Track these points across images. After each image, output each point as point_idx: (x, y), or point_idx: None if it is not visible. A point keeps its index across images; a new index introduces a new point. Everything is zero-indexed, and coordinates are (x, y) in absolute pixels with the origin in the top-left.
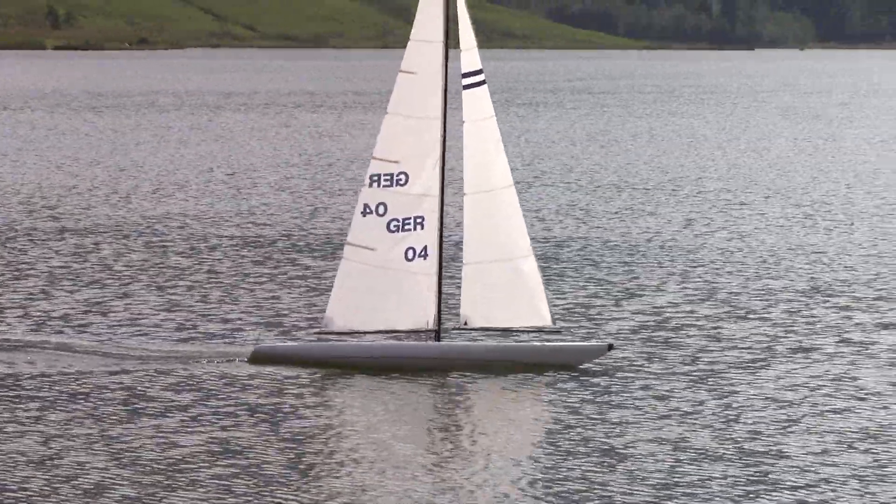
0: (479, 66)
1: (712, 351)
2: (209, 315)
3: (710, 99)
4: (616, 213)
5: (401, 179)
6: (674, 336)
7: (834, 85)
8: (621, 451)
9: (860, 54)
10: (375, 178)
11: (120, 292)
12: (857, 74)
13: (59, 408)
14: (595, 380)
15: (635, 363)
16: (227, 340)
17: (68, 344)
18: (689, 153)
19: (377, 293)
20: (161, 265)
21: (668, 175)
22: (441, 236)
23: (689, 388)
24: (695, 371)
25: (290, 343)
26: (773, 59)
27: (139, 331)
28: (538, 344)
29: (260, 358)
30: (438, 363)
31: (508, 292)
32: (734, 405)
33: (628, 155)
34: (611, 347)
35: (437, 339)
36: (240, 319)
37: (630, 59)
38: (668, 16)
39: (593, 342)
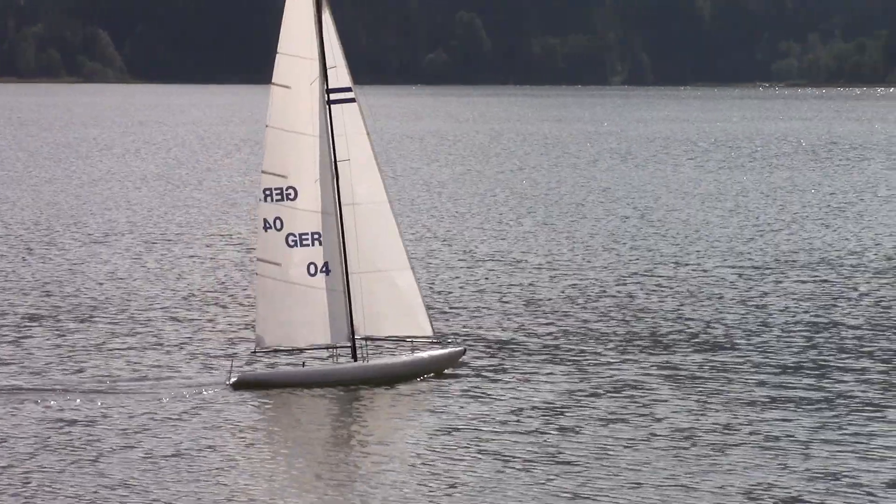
0: (347, 84)
1: (562, 346)
2: (181, 347)
3: None
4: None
5: (290, 194)
6: (519, 336)
7: None
8: (485, 449)
9: (37, 88)
10: (268, 192)
11: (86, 331)
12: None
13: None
14: (454, 383)
15: (488, 364)
16: (204, 369)
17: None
18: None
19: (290, 309)
20: (101, 305)
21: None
22: (344, 252)
23: (540, 382)
24: (546, 366)
25: (269, 370)
26: None
27: (112, 366)
28: (420, 356)
29: (243, 384)
30: (355, 381)
31: (388, 303)
32: (582, 401)
33: None
34: (464, 352)
35: (353, 355)
36: (212, 349)
37: None
38: None
39: (451, 349)
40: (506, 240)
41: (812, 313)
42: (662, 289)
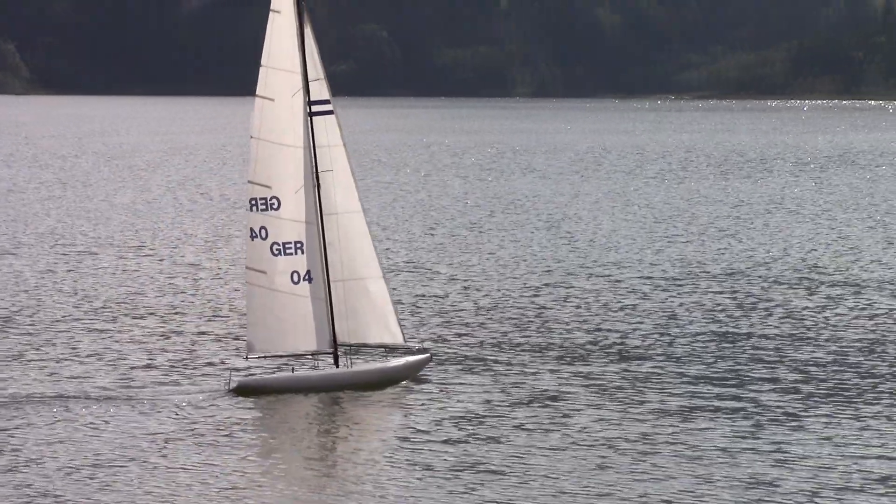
0: (327, 97)
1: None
2: (179, 355)
3: None
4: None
5: (274, 204)
6: (440, 347)
7: None
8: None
9: None
10: (254, 202)
11: (89, 337)
12: None
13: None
14: (422, 388)
15: (453, 370)
16: (205, 376)
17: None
18: None
19: (276, 316)
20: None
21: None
22: (326, 261)
23: (460, 392)
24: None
25: (267, 376)
26: None
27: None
28: (399, 362)
29: (243, 390)
30: (349, 386)
31: (366, 311)
32: (501, 411)
33: None
34: (430, 358)
35: (336, 361)
36: (212, 355)
37: None
38: None
39: (420, 356)
40: (420, 250)
41: (723, 323)
42: (578, 300)
